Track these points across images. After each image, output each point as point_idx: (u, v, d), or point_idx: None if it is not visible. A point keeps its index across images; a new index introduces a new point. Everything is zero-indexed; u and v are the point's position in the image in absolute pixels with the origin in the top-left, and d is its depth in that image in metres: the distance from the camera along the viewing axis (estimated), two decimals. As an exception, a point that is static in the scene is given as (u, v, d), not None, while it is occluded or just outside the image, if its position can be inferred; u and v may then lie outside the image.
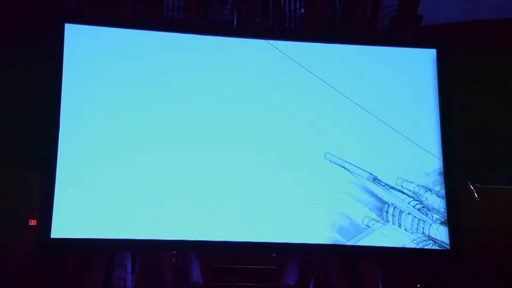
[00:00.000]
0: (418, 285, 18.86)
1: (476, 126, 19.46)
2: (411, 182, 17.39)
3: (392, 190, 17.30)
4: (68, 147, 16.21)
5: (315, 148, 17.40)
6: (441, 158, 17.60)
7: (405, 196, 17.29)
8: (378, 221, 17.10)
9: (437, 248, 17.33)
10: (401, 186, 17.38)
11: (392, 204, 17.20)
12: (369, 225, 16.99)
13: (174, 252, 18.30)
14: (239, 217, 16.71)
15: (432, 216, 17.23)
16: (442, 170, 17.61)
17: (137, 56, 16.98)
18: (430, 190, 17.41)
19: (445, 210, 17.35)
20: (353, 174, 17.19)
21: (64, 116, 16.25)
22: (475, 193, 17.17)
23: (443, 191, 17.44)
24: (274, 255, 18.55)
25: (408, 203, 17.23)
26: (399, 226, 17.15)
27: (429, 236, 17.11)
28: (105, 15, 17.80)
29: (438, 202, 17.41)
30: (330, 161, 17.16)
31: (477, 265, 18.85)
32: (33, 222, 17.23)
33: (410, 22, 19.15)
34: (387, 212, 17.23)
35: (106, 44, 16.97)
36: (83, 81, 16.62)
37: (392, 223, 17.16)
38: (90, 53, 16.84)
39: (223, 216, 16.62)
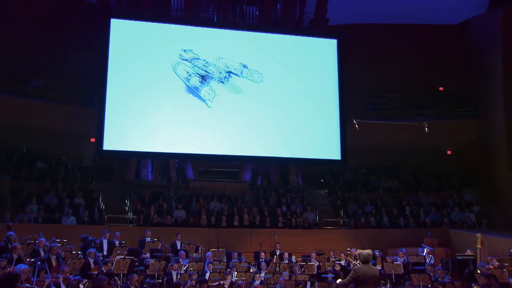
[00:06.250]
0: (322, 180, 22.31)
1: (360, 87, 22.00)
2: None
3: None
4: (112, 95, 18.53)
5: (263, 93, 19.78)
6: (338, 104, 20.52)
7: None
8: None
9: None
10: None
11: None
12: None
13: (177, 160, 20.93)
14: (217, 140, 19.16)
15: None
16: (339, 111, 20.42)
17: (153, 37, 19.22)
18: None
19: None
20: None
21: (109, 75, 18.57)
22: (356, 126, 19.94)
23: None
24: (237, 162, 21.21)
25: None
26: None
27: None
28: (135, 13, 20.05)
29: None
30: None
31: (354, 167, 22.28)
32: (93, 140, 19.40)
33: (322, 22, 21.69)
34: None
35: (136, 31, 19.22)
36: (121, 55, 18.85)
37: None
38: (126, 37, 19.03)
39: (206, 139, 19.07)
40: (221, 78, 19.60)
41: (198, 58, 19.62)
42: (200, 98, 19.41)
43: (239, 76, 19.88)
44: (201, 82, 19.50)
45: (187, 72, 19.45)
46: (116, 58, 18.87)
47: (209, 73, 19.63)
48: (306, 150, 20.10)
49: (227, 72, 19.74)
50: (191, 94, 19.35)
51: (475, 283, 11.60)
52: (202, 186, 19.85)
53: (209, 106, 19.36)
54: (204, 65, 19.64)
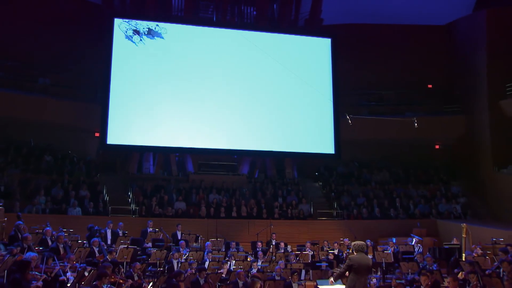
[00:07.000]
0: (316, 173, 22.25)
1: (353, 84, 22.05)
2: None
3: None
4: (115, 91, 18.65)
5: (260, 90, 19.89)
6: (332, 100, 20.68)
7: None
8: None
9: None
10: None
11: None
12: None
13: (177, 154, 20.98)
14: (216, 134, 19.31)
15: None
16: (332, 107, 20.58)
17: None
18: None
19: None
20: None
21: (113, 72, 18.65)
22: (349, 121, 19.73)
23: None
24: (235, 156, 21.27)
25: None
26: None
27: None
28: (137, 13, 20.11)
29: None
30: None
31: (347, 160, 22.41)
32: (97, 134, 19.52)
33: (316, 22, 21.78)
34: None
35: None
36: (124, 53, 18.92)
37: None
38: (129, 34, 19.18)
39: (206, 133, 19.18)
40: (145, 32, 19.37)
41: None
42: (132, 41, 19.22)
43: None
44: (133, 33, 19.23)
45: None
46: (119, 56, 18.95)
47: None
48: (301, 145, 20.25)
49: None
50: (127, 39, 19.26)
51: (460, 270, 11.79)
52: (202, 178, 19.97)
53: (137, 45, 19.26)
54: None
